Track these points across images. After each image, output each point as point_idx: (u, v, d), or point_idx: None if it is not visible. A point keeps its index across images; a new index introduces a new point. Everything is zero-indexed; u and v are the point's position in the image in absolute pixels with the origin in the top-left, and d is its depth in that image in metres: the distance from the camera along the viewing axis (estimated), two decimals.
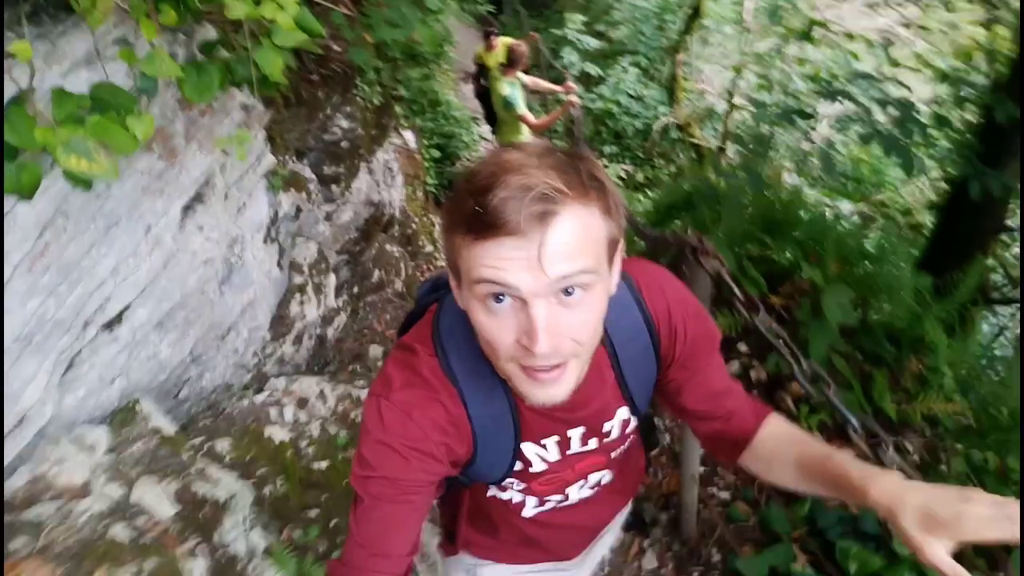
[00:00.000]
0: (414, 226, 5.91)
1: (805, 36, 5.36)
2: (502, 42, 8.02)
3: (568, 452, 1.13)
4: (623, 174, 9.79)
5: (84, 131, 1.51)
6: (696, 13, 8.76)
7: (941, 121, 3.47)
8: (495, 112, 6.95)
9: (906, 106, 3.16)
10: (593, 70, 10.24)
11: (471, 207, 0.78)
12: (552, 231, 0.77)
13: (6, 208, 1.65)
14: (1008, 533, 0.79)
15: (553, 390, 0.88)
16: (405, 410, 0.96)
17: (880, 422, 2.73)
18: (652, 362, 1.12)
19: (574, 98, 6.70)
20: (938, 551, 0.82)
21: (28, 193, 1.46)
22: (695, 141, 9.13)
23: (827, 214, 4.02)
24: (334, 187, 3.97)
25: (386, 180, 5.10)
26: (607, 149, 9.91)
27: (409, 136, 6.27)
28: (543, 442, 1.09)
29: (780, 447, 1.12)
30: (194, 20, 2.07)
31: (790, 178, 6.69)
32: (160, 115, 2.06)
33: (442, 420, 0.98)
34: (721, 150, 8.40)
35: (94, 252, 1.98)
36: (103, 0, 1.53)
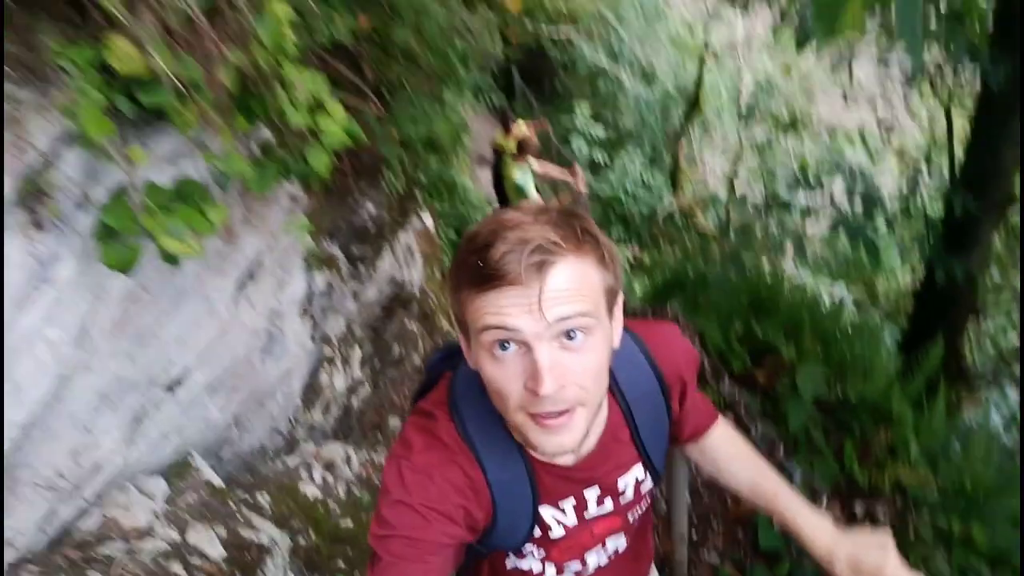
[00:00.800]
0: (432, 304, 6.21)
1: (792, 128, 5.80)
2: (518, 126, 8.67)
3: (585, 515, 1.12)
4: (630, 257, 10.16)
5: (175, 218, 1.84)
6: (696, 103, 9.31)
7: (906, 211, 3.79)
8: (507, 196, 7.40)
9: (870, 198, 3.49)
10: (600, 157, 10.78)
11: (474, 263, 0.85)
12: (549, 278, 0.84)
13: (101, 281, 1.97)
14: None
15: (561, 437, 0.91)
16: (425, 471, 0.98)
17: (853, 489, 2.95)
18: (664, 417, 1.16)
19: (581, 183, 7.12)
20: None
21: (127, 269, 1.78)
22: (699, 226, 9.53)
23: (808, 296, 4.34)
24: (361, 266, 4.30)
25: (407, 260, 5.44)
26: (614, 233, 10.33)
27: (428, 219, 6.65)
28: (561, 505, 1.10)
29: (735, 467, 1.31)
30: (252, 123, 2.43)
31: (789, 262, 7.00)
32: (223, 202, 2.41)
33: (461, 483, 0.99)
34: (724, 235, 8.77)
35: (165, 321, 2.29)
36: (191, 110, 1.89)
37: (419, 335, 5.57)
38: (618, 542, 1.23)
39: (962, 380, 4.31)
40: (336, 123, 2.07)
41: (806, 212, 4.28)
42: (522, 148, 7.11)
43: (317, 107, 2.17)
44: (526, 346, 0.86)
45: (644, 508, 1.23)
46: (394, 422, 4.49)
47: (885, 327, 7.00)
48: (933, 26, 3.36)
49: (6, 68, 1.40)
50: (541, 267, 0.83)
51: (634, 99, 10.83)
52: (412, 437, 1.02)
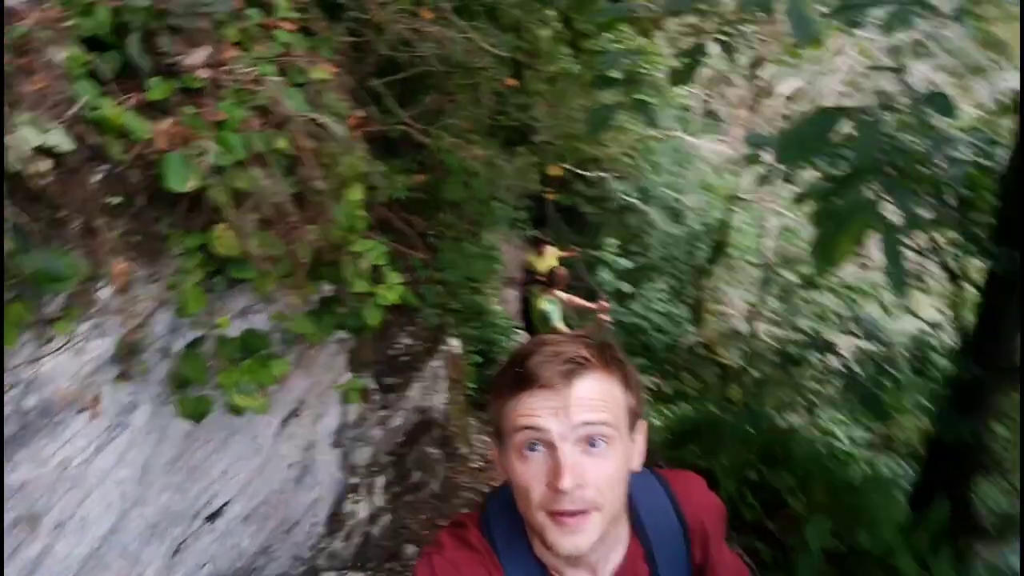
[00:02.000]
0: (453, 429, 6.33)
1: (810, 284, 6.06)
2: (550, 251, 9.12)
3: None
4: (652, 386, 10.24)
5: (241, 373, 2.05)
6: (721, 245, 9.66)
7: (916, 371, 3.94)
8: (534, 324, 7.66)
9: (879, 361, 3.65)
10: (626, 287, 11.07)
11: (513, 370, 0.99)
12: (577, 386, 0.96)
13: (166, 423, 2.17)
14: None
15: (576, 538, 0.96)
16: (455, 566, 1.04)
17: None
18: (684, 563, 1.18)
19: (606, 318, 7.35)
20: None
21: (200, 420, 1.97)
22: (720, 359, 9.65)
23: (820, 446, 4.43)
24: (391, 395, 4.48)
25: (433, 387, 5.61)
26: (637, 361, 10.46)
27: (455, 343, 6.87)
28: None
29: None
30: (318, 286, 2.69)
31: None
32: (281, 350, 2.63)
33: None
34: (745, 370, 8.88)
35: (214, 457, 2.46)
36: (270, 279, 2.13)
37: (439, 461, 5.66)
38: None
39: (973, 534, 4.29)
40: (393, 291, 2.31)
41: (821, 371, 4.45)
42: (552, 280, 7.40)
43: (375, 271, 2.42)
44: (552, 447, 0.96)
45: None
46: (410, 549, 4.52)
47: (901, 467, 6.95)
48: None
49: (132, 253, 1.65)
50: (570, 375, 0.96)
51: (662, 235, 11.26)
52: (444, 539, 1.10)
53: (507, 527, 1.09)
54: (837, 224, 1.87)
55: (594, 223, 12.24)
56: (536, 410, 0.96)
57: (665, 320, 11.03)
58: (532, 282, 8.62)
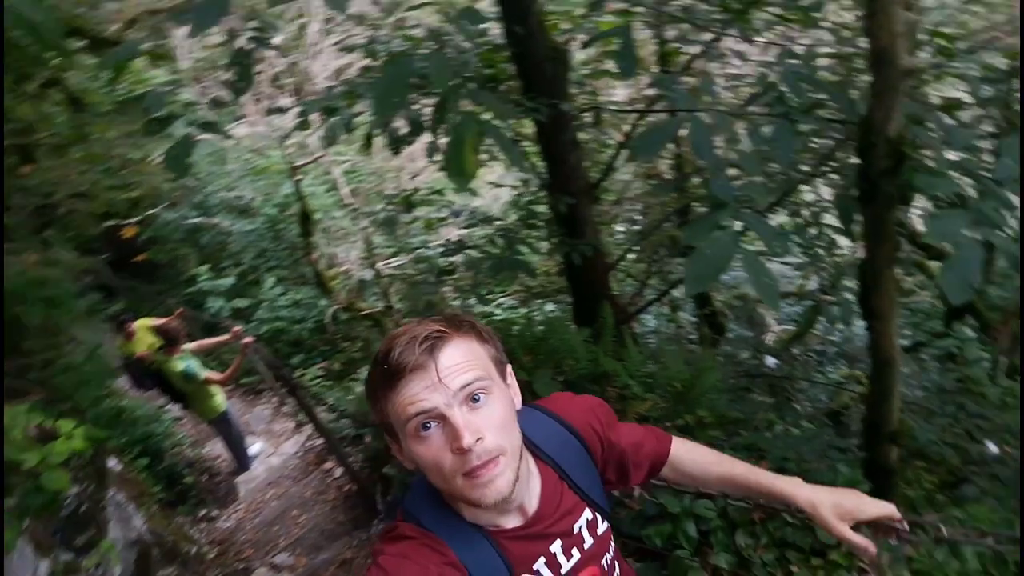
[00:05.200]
0: (171, 539, 5.67)
1: (407, 202, 6.58)
2: (139, 325, 7.77)
3: (562, 572, 1.19)
4: (320, 372, 10.10)
5: None
6: (305, 216, 9.66)
7: (528, 225, 4.72)
8: (180, 390, 6.94)
9: (496, 236, 4.27)
10: (243, 303, 10.54)
11: (380, 369, 1.03)
12: (442, 357, 1.02)
13: None
14: (886, 510, 1.28)
15: (496, 484, 1.03)
16: (402, 554, 1.07)
17: None
18: (590, 462, 1.30)
19: (247, 339, 6.91)
20: (848, 531, 1.27)
21: None
22: (364, 312, 9.90)
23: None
24: (92, 551, 3.81)
25: (125, 518, 4.90)
26: (295, 360, 10.20)
27: (114, 462, 5.96)
28: (535, 568, 1.16)
29: (705, 471, 1.46)
30: None
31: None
32: None
33: (437, 559, 1.07)
34: (389, 308, 9.28)
35: None
36: None
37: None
38: None
39: (629, 315, 5.37)
40: (75, 438, 1.95)
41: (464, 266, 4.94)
42: (170, 339, 6.74)
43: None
44: (443, 419, 1.01)
45: (613, 553, 1.32)
46: None
47: (563, 303, 8.15)
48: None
49: None
50: (432, 349, 1.02)
51: (242, 236, 10.76)
52: (380, 546, 1.11)
53: (432, 509, 1.13)
54: (457, 143, 2.07)
55: (169, 264, 11.22)
56: (416, 394, 1.00)
57: (296, 309, 10.82)
58: (139, 364, 7.39)
